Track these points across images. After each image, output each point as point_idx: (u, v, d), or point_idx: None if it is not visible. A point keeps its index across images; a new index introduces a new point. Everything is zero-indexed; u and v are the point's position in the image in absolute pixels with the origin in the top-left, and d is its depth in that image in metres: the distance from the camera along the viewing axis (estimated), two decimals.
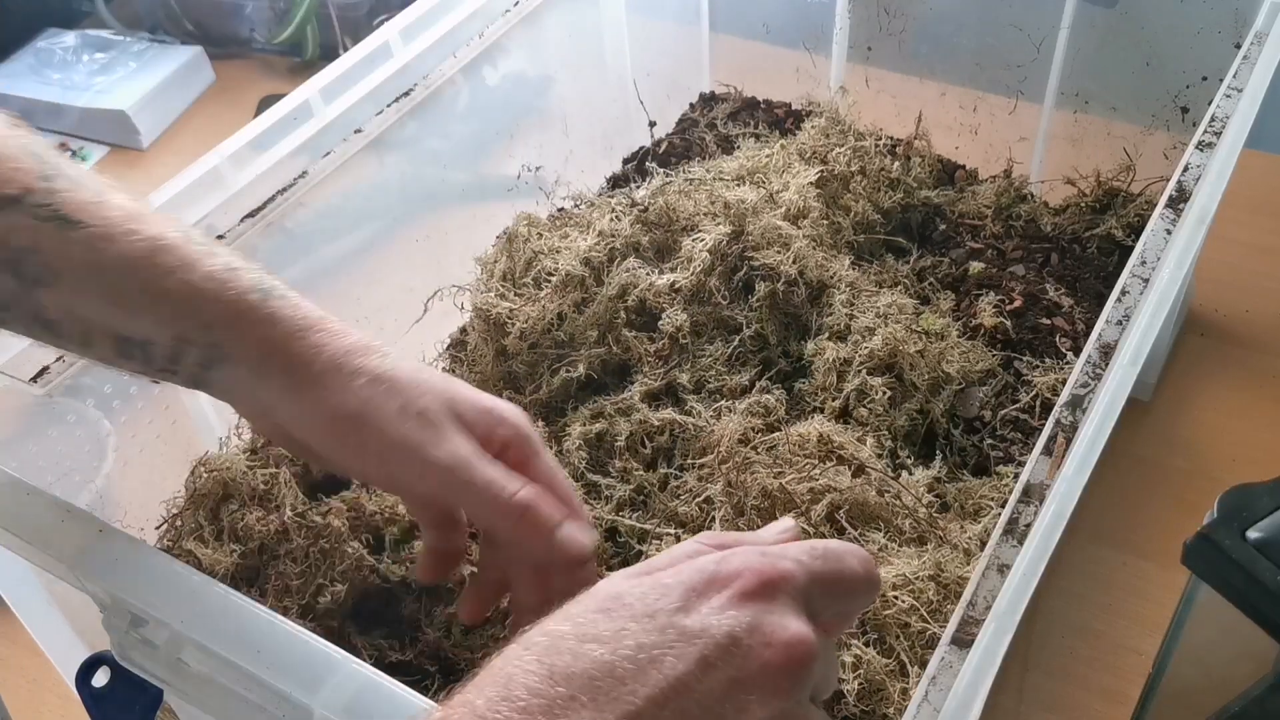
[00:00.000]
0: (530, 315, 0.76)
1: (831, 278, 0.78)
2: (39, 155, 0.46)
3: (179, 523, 0.69)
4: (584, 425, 0.72)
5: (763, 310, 0.76)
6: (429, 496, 0.51)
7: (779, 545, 0.42)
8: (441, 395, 0.50)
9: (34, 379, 0.65)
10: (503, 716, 0.34)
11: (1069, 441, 0.55)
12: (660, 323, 0.74)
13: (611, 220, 0.80)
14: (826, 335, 0.75)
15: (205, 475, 0.69)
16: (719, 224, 0.78)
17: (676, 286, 0.75)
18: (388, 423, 0.48)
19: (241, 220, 0.75)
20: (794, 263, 0.76)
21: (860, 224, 0.87)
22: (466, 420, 0.50)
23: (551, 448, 0.71)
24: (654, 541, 0.66)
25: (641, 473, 0.69)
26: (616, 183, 1.04)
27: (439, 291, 0.81)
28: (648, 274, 0.76)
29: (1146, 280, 0.63)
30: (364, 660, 0.46)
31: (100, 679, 0.53)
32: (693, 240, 0.77)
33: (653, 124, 1.08)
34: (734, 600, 0.38)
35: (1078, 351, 0.75)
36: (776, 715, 0.37)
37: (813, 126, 0.92)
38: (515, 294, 0.79)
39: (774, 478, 0.63)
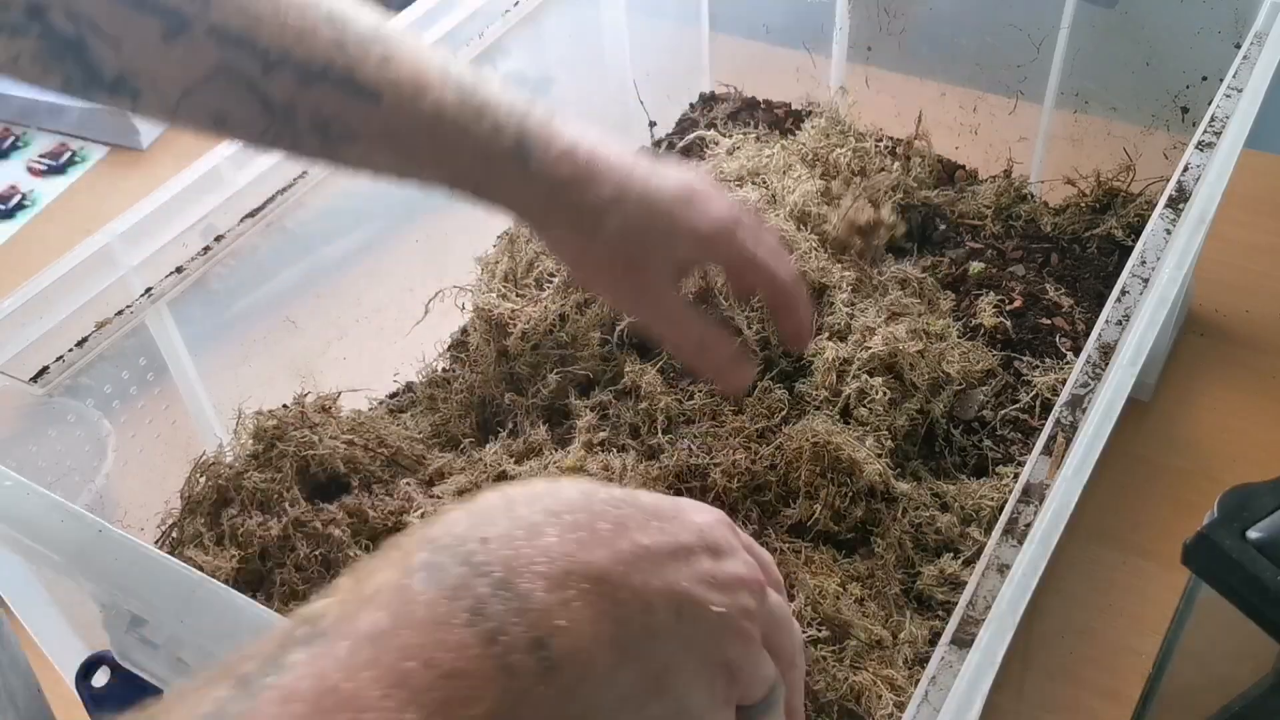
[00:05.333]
0: (532, 316, 0.76)
1: (834, 281, 0.78)
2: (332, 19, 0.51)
3: (175, 533, 0.69)
4: (589, 434, 0.72)
5: (765, 311, 0.75)
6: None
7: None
8: (667, 241, 0.57)
9: (34, 379, 0.65)
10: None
11: (1069, 441, 0.55)
12: None
13: None
14: (826, 334, 0.75)
15: (201, 481, 0.69)
16: None
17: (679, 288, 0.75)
18: (624, 267, 0.58)
19: (241, 220, 0.75)
20: (797, 264, 0.76)
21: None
22: (688, 248, 0.58)
23: (556, 451, 0.72)
24: None
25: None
26: None
27: (440, 293, 0.81)
28: None
29: (1146, 280, 0.63)
30: None
31: (100, 679, 0.53)
32: None
33: (653, 124, 1.08)
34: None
35: (1078, 351, 0.75)
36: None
37: (813, 127, 0.92)
38: (517, 294, 0.79)
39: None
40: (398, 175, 0.55)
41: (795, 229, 0.80)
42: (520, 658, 0.29)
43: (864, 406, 0.71)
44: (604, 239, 0.56)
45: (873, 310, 0.76)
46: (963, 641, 0.47)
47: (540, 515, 0.32)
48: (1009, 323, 0.79)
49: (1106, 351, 0.60)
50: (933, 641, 0.61)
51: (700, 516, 0.37)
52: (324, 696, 0.26)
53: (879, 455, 0.68)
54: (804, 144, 0.90)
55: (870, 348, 0.72)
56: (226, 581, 0.63)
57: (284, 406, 0.75)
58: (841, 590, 0.63)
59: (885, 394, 0.71)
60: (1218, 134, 0.72)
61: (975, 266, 0.85)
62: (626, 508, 0.34)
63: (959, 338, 0.77)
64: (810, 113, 0.98)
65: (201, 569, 0.63)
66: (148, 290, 0.71)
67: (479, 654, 0.29)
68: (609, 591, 0.32)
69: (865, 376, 0.71)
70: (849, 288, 0.78)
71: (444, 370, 0.85)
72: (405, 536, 0.32)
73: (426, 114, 0.53)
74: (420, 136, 0.53)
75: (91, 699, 0.54)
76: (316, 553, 0.64)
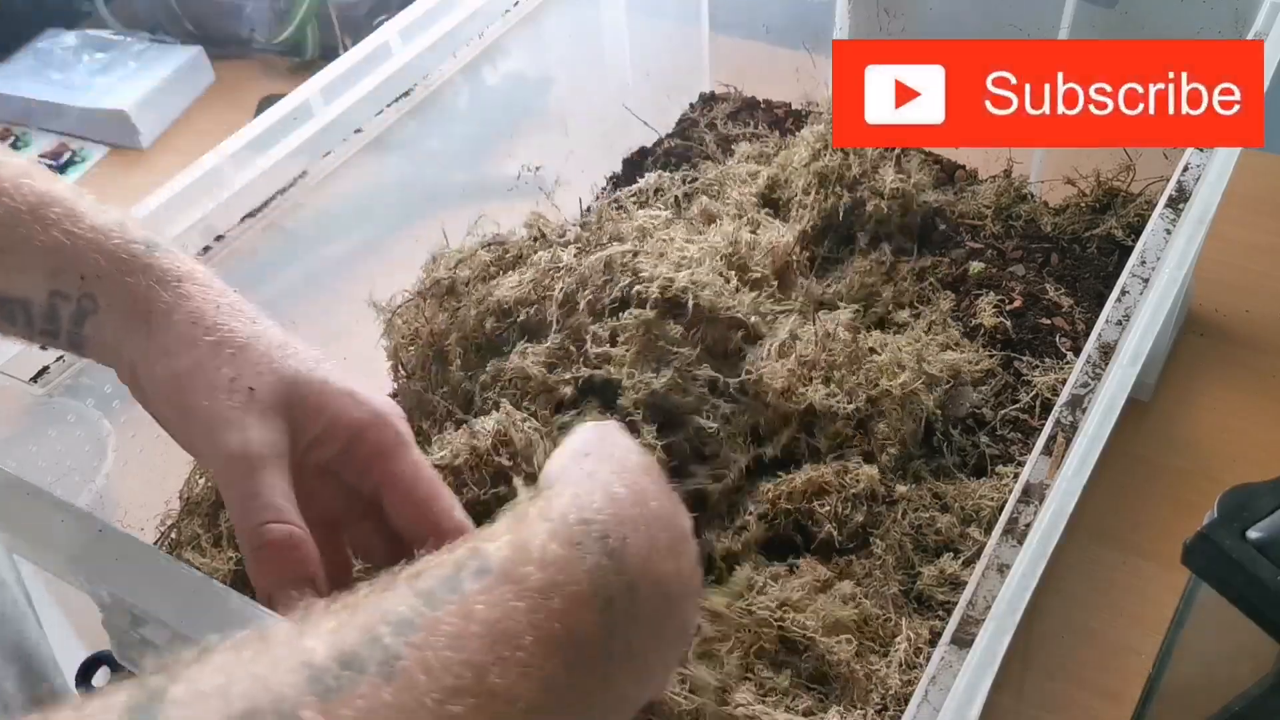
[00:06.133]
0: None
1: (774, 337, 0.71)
2: None
3: (174, 534, 0.69)
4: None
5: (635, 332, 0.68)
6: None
7: None
8: (289, 375, 0.46)
9: (34, 379, 0.65)
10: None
11: (1069, 441, 0.55)
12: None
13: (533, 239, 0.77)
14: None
15: (200, 482, 0.69)
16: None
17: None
18: (208, 391, 0.44)
19: (241, 220, 0.75)
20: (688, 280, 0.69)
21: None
22: (312, 405, 0.46)
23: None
24: None
25: None
26: (616, 184, 1.03)
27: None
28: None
29: (1146, 280, 0.63)
30: None
31: (100, 679, 0.53)
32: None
33: (654, 131, 1.08)
34: None
35: (1078, 351, 0.75)
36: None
37: (805, 139, 0.89)
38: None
39: None
40: None
41: (717, 275, 0.73)
42: (618, 597, 0.35)
43: (881, 424, 0.70)
44: (227, 357, 0.44)
45: (852, 377, 0.70)
46: (963, 641, 0.47)
47: (623, 488, 0.38)
48: (1009, 323, 0.79)
49: (1106, 351, 0.60)
50: (933, 641, 0.61)
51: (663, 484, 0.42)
52: (493, 625, 0.32)
53: (881, 457, 0.68)
54: (797, 167, 0.87)
55: (861, 396, 0.70)
56: (224, 584, 0.63)
57: None
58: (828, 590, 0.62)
59: (897, 412, 0.70)
60: None
61: (975, 266, 0.85)
62: (647, 479, 0.40)
63: (926, 334, 0.76)
64: (810, 113, 0.98)
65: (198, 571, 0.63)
66: None
67: (589, 597, 0.35)
68: (657, 565, 0.38)
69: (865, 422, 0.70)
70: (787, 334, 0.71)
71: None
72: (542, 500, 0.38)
73: (28, 196, 0.45)
74: (22, 221, 0.44)
75: None
76: None
